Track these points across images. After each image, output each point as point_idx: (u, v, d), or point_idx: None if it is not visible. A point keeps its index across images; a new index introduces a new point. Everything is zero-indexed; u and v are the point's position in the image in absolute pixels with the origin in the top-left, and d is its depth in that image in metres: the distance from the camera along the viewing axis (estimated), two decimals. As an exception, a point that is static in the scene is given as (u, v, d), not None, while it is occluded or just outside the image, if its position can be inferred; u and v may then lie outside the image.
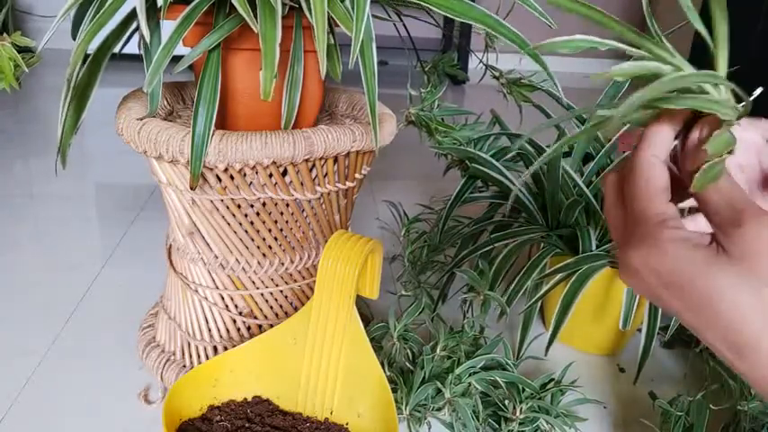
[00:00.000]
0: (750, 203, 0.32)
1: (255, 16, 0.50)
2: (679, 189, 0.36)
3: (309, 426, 0.63)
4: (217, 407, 0.63)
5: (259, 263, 0.66)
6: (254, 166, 0.58)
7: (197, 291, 0.69)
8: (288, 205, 0.64)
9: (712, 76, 0.32)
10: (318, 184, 0.63)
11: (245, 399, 0.65)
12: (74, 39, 0.56)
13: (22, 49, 0.61)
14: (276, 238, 0.65)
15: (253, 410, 0.64)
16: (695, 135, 0.34)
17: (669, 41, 0.35)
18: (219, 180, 0.60)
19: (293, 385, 0.64)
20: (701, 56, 0.33)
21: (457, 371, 0.66)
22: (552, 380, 0.69)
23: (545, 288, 0.76)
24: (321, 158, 0.61)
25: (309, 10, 0.50)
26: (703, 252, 0.32)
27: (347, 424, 0.63)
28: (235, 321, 0.70)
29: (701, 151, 0.33)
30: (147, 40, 0.55)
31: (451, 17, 0.56)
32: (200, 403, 0.63)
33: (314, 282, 0.69)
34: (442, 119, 0.82)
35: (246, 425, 0.62)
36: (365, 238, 0.59)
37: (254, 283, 0.68)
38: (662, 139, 0.35)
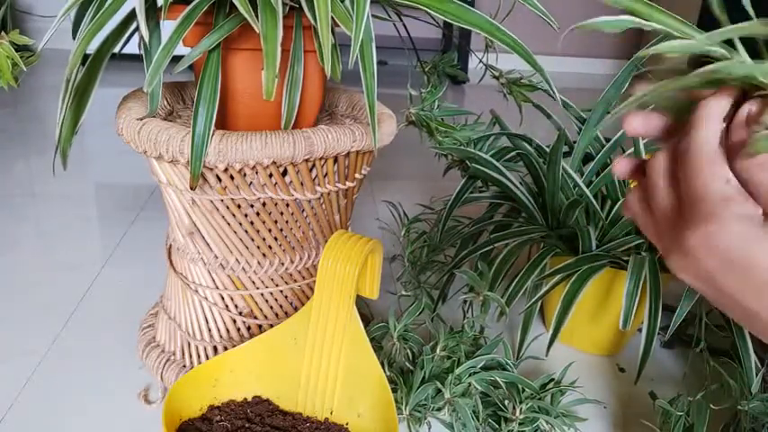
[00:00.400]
0: None
1: (256, 16, 0.50)
2: None
3: (309, 426, 0.63)
4: (217, 407, 0.63)
5: (259, 263, 0.66)
6: (254, 166, 0.58)
7: (197, 291, 0.69)
8: (288, 205, 0.64)
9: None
10: (318, 184, 0.63)
11: (245, 399, 0.65)
12: (74, 39, 0.56)
13: (21, 48, 0.61)
14: (276, 238, 0.65)
15: (253, 410, 0.64)
16: (745, 111, 0.34)
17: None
18: (219, 180, 0.60)
19: (293, 385, 0.64)
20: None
21: (457, 371, 0.66)
22: (552, 380, 0.69)
23: (545, 288, 0.76)
24: (321, 158, 0.61)
25: (312, 10, 0.50)
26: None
27: (347, 424, 0.63)
28: (235, 321, 0.70)
29: (754, 126, 0.33)
30: (147, 40, 0.55)
31: (447, 20, 0.55)
32: (200, 403, 0.63)
33: (314, 282, 0.69)
34: (443, 119, 0.82)
35: (246, 425, 0.62)
36: (365, 238, 0.59)
37: (254, 283, 0.68)
38: (717, 116, 0.34)
